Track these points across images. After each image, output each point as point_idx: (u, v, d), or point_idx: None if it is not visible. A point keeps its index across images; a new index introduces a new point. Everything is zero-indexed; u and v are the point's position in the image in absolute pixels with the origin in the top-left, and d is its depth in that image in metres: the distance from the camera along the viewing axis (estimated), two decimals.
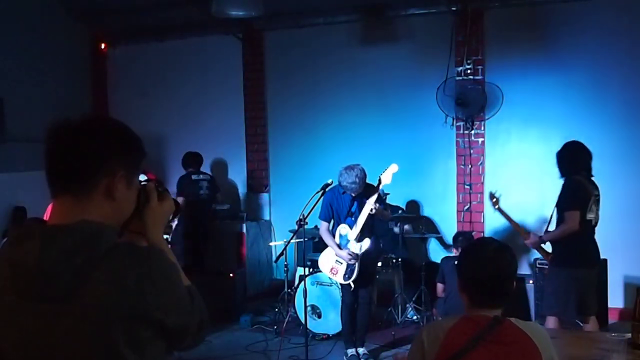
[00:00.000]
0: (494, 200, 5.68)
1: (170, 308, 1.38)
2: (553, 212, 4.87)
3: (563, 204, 4.68)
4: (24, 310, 1.33)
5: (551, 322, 4.69)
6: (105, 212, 1.40)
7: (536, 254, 5.62)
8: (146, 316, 1.33)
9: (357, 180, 5.06)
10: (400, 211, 6.60)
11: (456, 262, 2.39)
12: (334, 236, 5.35)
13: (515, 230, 5.56)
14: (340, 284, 5.51)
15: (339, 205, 5.32)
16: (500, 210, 5.62)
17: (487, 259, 2.18)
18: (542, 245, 5.07)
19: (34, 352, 1.34)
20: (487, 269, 2.16)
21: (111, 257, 1.32)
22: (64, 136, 1.39)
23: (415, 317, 6.31)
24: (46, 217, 3.46)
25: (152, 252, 1.42)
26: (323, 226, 5.41)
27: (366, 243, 5.25)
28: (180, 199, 6.48)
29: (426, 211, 7.07)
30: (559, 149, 4.85)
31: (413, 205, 7.07)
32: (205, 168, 8.19)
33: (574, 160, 4.74)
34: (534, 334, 2.11)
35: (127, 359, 1.31)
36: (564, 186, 4.72)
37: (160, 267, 1.39)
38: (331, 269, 5.41)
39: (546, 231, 5.02)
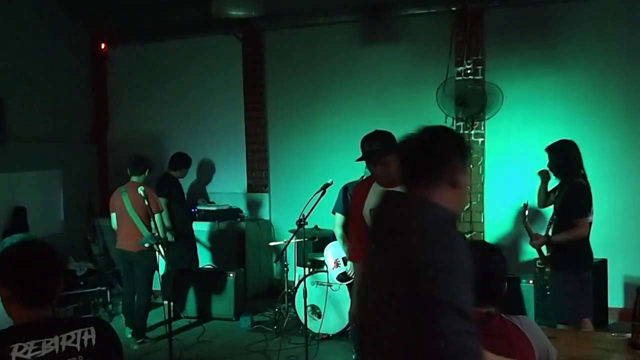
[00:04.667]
0: (527, 212, 4.97)
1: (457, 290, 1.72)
2: (554, 215, 4.78)
3: (574, 210, 4.55)
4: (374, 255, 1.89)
5: (587, 324, 4.60)
6: (447, 198, 1.84)
7: (533, 255, 5.56)
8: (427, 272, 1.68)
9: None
10: None
11: None
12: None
13: (528, 234, 5.01)
14: (347, 285, 5.52)
15: None
16: (526, 223, 4.95)
17: (476, 260, 2.21)
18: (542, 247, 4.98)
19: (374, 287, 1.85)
20: (477, 270, 2.19)
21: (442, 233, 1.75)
22: (417, 143, 1.90)
23: None
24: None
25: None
26: (338, 220, 5.29)
27: None
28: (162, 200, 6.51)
29: None
30: (552, 149, 4.74)
31: None
32: (205, 168, 8.21)
33: (575, 161, 4.64)
34: (524, 326, 2.17)
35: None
36: (573, 191, 4.59)
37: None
38: (335, 261, 5.42)
39: (547, 232, 4.96)
